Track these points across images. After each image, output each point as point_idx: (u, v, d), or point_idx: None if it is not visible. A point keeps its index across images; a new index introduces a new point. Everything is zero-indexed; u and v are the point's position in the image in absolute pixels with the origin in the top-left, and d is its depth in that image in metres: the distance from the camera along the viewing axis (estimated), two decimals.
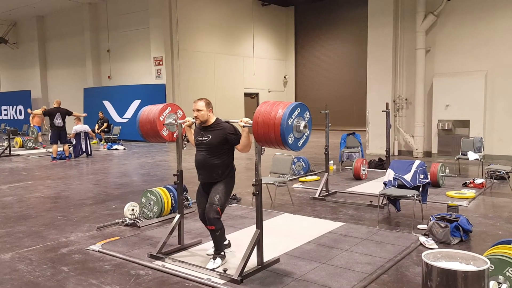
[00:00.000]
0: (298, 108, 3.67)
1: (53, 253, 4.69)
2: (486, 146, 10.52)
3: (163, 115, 4.46)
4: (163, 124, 4.49)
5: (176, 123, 4.53)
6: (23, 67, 23.61)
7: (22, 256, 4.61)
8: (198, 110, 4.11)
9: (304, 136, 3.77)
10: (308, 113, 3.79)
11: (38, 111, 11.95)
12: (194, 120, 4.24)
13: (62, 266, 4.29)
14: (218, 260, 4.15)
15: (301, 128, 3.66)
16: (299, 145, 3.74)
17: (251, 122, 3.76)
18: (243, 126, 3.91)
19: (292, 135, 3.61)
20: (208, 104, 4.14)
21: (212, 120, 4.17)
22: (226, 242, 4.45)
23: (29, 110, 15.77)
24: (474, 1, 11.15)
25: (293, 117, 3.62)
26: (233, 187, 4.27)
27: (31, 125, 16.84)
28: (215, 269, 4.02)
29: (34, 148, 15.04)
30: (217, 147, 4.09)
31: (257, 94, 21.39)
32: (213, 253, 4.24)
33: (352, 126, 17.99)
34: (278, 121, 3.53)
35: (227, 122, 4.17)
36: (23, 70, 23.69)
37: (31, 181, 9.07)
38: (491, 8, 10.94)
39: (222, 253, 4.23)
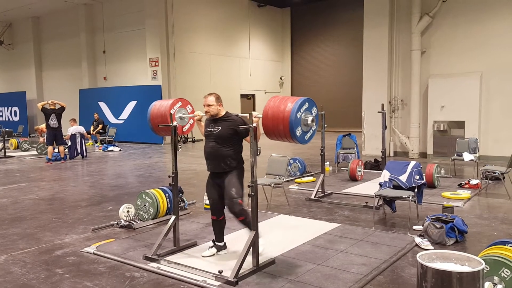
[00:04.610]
0: (307, 103, 3.84)
1: (47, 255, 4.66)
2: (481, 147, 10.56)
3: (173, 109, 4.59)
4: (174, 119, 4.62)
5: (186, 116, 4.67)
6: (19, 68, 23.53)
7: (16, 258, 4.58)
8: (208, 105, 4.28)
9: (311, 130, 3.93)
10: (315, 108, 3.96)
11: (39, 105, 11.95)
12: (204, 114, 4.42)
13: (57, 269, 4.27)
14: (261, 240, 4.28)
15: (309, 122, 3.83)
16: (306, 139, 3.91)
17: (260, 116, 3.91)
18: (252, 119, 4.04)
19: (300, 128, 3.77)
20: (218, 99, 4.32)
21: (223, 113, 4.34)
22: (221, 244, 4.48)
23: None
24: (469, 2, 11.21)
25: (302, 111, 3.78)
26: (243, 176, 4.36)
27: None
28: (263, 250, 4.30)
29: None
30: (226, 138, 4.21)
31: (253, 95, 21.40)
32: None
33: (348, 127, 18.03)
34: (287, 114, 3.69)
35: (237, 115, 4.32)
36: (18, 71, 23.61)
37: (26, 183, 9.03)
38: (486, 10, 10.99)
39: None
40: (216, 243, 4.50)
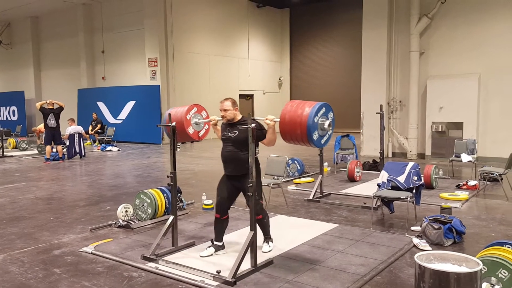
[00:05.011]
0: (324, 108, 3.97)
1: (45, 255, 4.66)
2: (479, 148, 10.57)
3: (189, 115, 4.65)
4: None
5: (202, 121, 4.75)
6: (17, 67, 23.49)
7: (14, 258, 4.58)
8: (225, 110, 4.37)
9: (327, 134, 4.03)
10: (331, 113, 4.09)
11: (37, 105, 11.97)
12: (219, 118, 4.52)
13: (55, 268, 4.26)
14: (271, 243, 4.64)
15: (326, 126, 3.95)
16: (322, 142, 4.02)
17: (277, 119, 4.06)
18: (268, 123, 4.17)
19: (317, 132, 3.88)
20: (234, 103, 4.41)
21: (239, 117, 4.43)
22: (220, 244, 4.52)
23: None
24: (468, 3, 11.22)
25: (319, 115, 3.91)
26: (260, 176, 4.51)
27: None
28: (270, 251, 4.54)
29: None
30: (243, 142, 4.26)
31: (252, 96, 21.39)
32: (262, 240, 4.61)
33: (346, 128, 18.00)
34: (305, 119, 3.82)
35: (253, 119, 4.36)
36: (17, 70, 23.57)
37: (24, 183, 9.02)
38: (485, 11, 11.01)
39: (270, 236, 4.67)
40: (215, 243, 4.53)
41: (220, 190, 4.48)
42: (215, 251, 4.50)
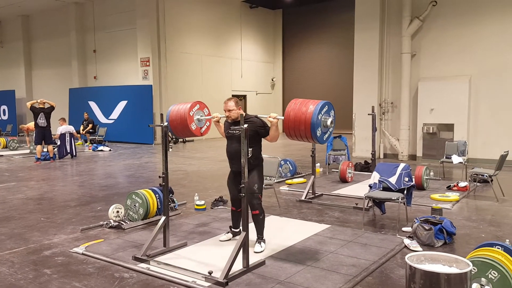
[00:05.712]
0: (326, 106, 4.15)
1: (35, 255, 4.62)
2: (470, 150, 10.67)
3: (192, 111, 4.75)
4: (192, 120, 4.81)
5: (205, 117, 4.84)
6: (8, 66, 23.28)
7: (4, 258, 4.54)
8: (229, 110, 4.57)
9: (329, 131, 4.20)
10: (333, 111, 4.27)
11: (28, 104, 11.87)
12: (222, 116, 4.70)
13: (45, 269, 4.23)
14: (263, 244, 4.67)
15: (328, 123, 4.13)
16: (324, 139, 4.21)
17: (280, 117, 4.23)
18: (272, 121, 4.33)
19: (320, 129, 4.06)
20: (237, 103, 4.62)
21: None
22: (237, 230, 4.95)
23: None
24: (459, 6, 11.32)
25: (322, 113, 4.07)
26: (263, 172, 4.75)
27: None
28: (262, 252, 4.55)
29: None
30: (248, 139, 4.34)
31: (244, 97, 21.38)
32: (255, 239, 4.67)
33: (338, 129, 18.04)
34: (309, 116, 3.98)
35: (256, 116, 4.57)
36: (7, 69, 23.36)
37: (14, 182, 8.94)
38: (476, 13, 11.11)
39: (263, 237, 4.72)
40: (233, 229, 4.99)
41: (230, 188, 4.84)
42: (233, 236, 4.96)
